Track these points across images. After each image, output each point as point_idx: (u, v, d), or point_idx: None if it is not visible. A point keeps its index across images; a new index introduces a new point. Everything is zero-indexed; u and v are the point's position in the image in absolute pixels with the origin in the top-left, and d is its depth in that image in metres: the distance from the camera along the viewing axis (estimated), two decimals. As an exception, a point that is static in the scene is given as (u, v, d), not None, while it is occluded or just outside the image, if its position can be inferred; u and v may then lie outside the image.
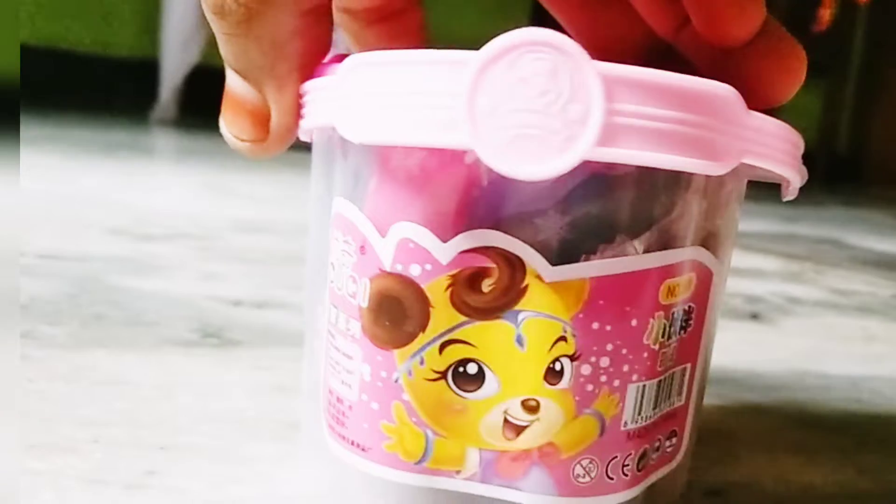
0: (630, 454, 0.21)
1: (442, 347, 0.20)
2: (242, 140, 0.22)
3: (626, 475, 0.21)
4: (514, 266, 0.20)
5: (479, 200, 0.20)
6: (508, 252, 0.19)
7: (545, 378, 0.20)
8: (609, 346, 0.19)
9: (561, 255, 0.19)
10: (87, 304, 0.37)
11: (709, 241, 0.21)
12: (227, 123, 0.22)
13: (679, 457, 0.22)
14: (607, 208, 0.19)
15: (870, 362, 0.44)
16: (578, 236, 0.19)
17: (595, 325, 0.19)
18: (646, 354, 0.20)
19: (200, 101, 1.65)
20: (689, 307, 0.21)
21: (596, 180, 0.19)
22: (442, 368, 0.20)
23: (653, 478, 0.22)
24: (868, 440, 0.31)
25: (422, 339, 0.20)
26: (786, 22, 0.22)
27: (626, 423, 0.20)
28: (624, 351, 0.20)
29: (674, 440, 0.22)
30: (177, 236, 0.56)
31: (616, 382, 0.20)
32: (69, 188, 0.73)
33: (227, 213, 0.69)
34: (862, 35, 2.46)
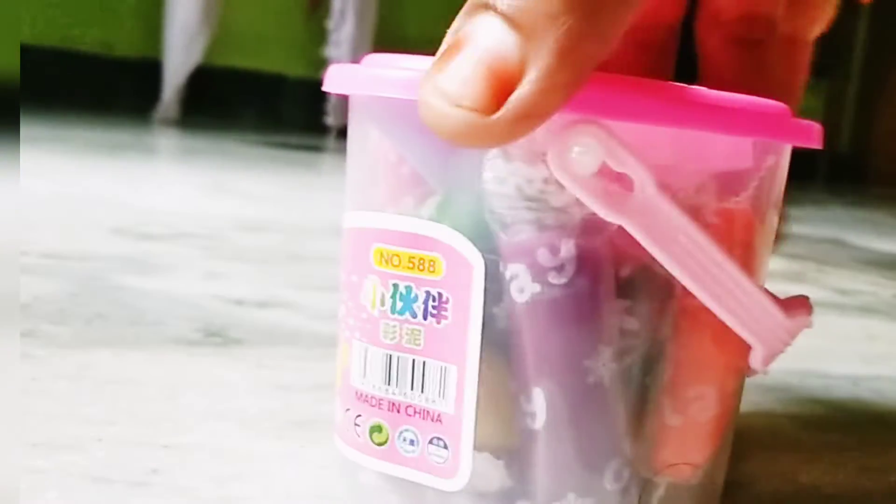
0: (359, 415, 0.20)
1: None
2: (461, 106, 0.16)
3: (358, 436, 0.20)
4: None
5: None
6: None
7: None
8: (343, 295, 0.20)
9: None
10: (90, 304, 0.37)
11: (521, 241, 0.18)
12: (447, 76, 0.16)
13: (457, 476, 0.19)
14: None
15: (871, 362, 0.44)
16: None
17: (341, 274, 0.21)
18: (365, 315, 0.20)
19: (203, 101, 1.66)
20: (440, 294, 0.19)
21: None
22: None
23: (414, 475, 0.19)
24: (869, 440, 0.31)
25: None
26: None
27: (354, 378, 0.20)
28: (350, 304, 0.20)
29: (442, 451, 0.19)
30: (179, 236, 0.56)
31: (346, 333, 0.20)
32: (72, 188, 0.73)
33: (229, 213, 0.69)
34: (864, 34, 2.45)
